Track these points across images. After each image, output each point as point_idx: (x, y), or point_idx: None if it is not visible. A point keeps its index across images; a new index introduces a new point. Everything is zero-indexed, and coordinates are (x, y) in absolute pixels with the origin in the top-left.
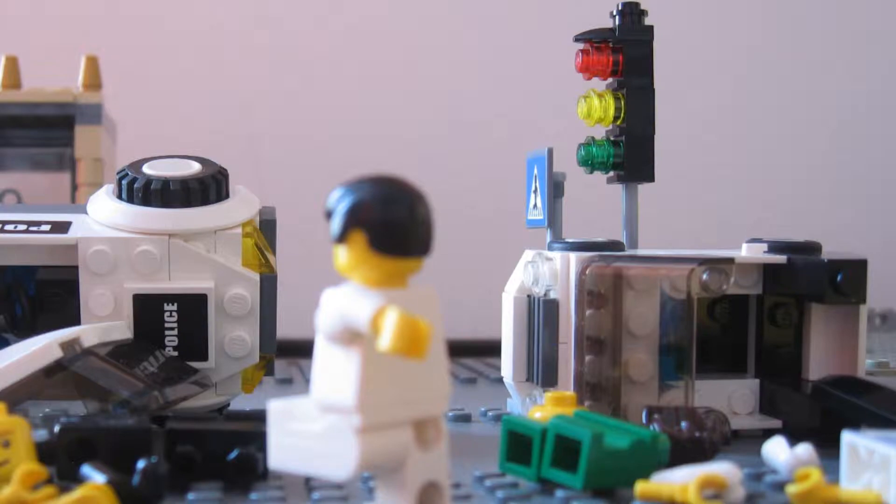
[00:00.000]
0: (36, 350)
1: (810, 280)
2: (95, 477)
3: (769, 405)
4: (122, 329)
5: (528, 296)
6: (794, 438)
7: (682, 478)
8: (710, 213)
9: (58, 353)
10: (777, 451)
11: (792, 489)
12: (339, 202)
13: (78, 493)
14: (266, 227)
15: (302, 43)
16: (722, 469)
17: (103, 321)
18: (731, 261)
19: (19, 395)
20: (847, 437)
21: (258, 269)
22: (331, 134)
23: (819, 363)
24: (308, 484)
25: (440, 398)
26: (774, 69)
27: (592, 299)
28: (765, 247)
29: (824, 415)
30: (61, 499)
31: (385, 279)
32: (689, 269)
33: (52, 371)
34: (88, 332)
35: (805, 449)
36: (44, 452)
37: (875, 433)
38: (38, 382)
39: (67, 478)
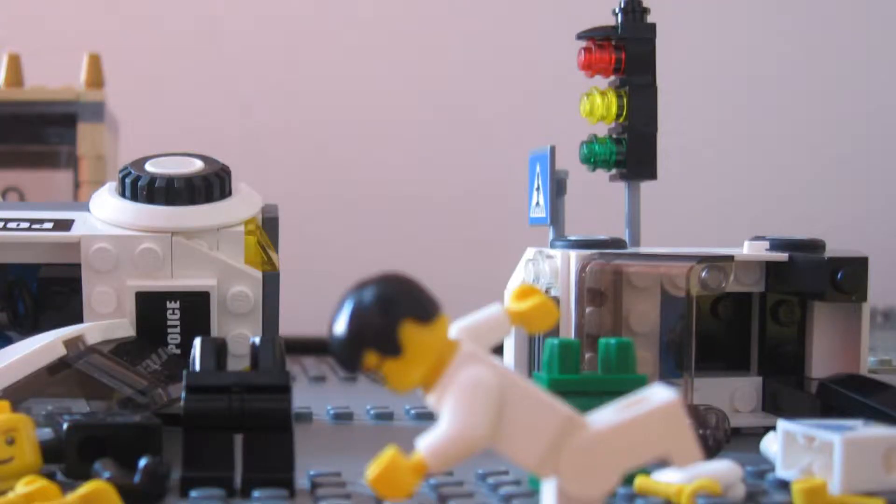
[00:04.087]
0: (39, 348)
1: (811, 278)
2: (104, 474)
3: (771, 403)
4: (125, 327)
5: None
6: None
7: (682, 476)
8: (714, 210)
9: (61, 351)
10: (769, 443)
11: (796, 486)
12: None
13: (84, 489)
14: (268, 225)
15: (302, 42)
16: (723, 467)
17: (106, 319)
18: (730, 258)
19: (23, 393)
20: (782, 425)
21: (261, 266)
22: (332, 132)
23: (822, 361)
24: (312, 485)
25: None
26: (777, 66)
27: (593, 297)
28: (767, 244)
29: (826, 413)
30: (67, 496)
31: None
32: (689, 266)
33: (56, 369)
34: (92, 330)
35: None
36: (51, 450)
37: (810, 422)
38: (41, 380)
39: (75, 476)
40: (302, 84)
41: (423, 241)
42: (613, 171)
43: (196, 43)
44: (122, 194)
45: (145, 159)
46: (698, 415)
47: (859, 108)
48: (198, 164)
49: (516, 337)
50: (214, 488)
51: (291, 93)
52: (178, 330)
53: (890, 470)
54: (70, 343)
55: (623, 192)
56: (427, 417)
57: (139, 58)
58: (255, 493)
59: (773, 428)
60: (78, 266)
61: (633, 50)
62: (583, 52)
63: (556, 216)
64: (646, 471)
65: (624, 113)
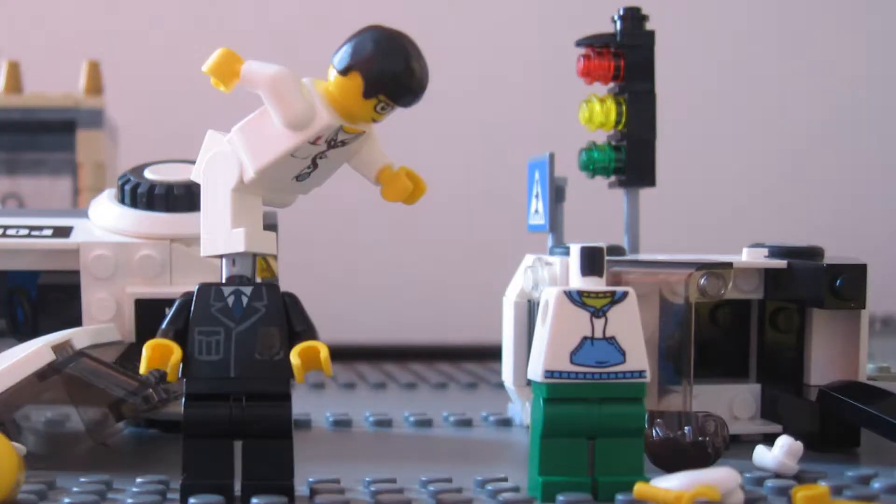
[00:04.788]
0: (27, 354)
1: (810, 285)
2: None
3: (770, 410)
4: (112, 331)
5: (529, 300)
6: None
7: (681, 483)
8: (712, 217)
9: (50, 357)
10: (762, 454)
11: (797, 493)
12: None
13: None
14: None
15: (302, 44)
16: (722, 474)
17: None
18: (729, 266)
19: (14, 401)
20: None
21: (260, 273)
22: None
23: (821, 368)
24: (311, 492)
25: None
26: (776, 72)
27: None
28: (766, 251)
29: (825, 420)
30: None
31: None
32: (687, 273)
33: (46, 375)
34: (80, 334)
35: (783, 442)
36: None
37: None
38: (32, 387)
39: None
40: None
41: (423, 246)
42: (612, 178)
43: (195, 49)
44: (122, 201)
45: (144, 166)
46: (698, 421)
47: (858, 115)
48: None
49: (515, 327)
50: (214, 495)
51: None
52: None
53: None
54: (59, 348)
55: (622, 199)
56: (426, 424)
57: (138, 64)
58: (255, 500)
59: (771, 435)
60: (77, 273)
61: (631, 57)
62: (582, 59)
63: (555, 223)
64: (645, 477)
65: (623, 120)
